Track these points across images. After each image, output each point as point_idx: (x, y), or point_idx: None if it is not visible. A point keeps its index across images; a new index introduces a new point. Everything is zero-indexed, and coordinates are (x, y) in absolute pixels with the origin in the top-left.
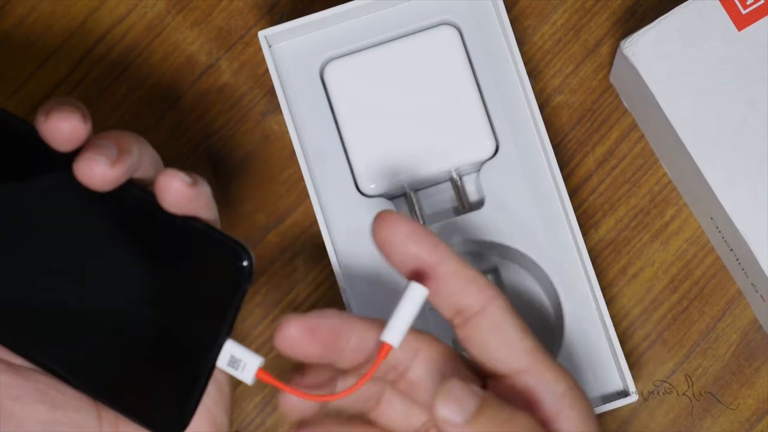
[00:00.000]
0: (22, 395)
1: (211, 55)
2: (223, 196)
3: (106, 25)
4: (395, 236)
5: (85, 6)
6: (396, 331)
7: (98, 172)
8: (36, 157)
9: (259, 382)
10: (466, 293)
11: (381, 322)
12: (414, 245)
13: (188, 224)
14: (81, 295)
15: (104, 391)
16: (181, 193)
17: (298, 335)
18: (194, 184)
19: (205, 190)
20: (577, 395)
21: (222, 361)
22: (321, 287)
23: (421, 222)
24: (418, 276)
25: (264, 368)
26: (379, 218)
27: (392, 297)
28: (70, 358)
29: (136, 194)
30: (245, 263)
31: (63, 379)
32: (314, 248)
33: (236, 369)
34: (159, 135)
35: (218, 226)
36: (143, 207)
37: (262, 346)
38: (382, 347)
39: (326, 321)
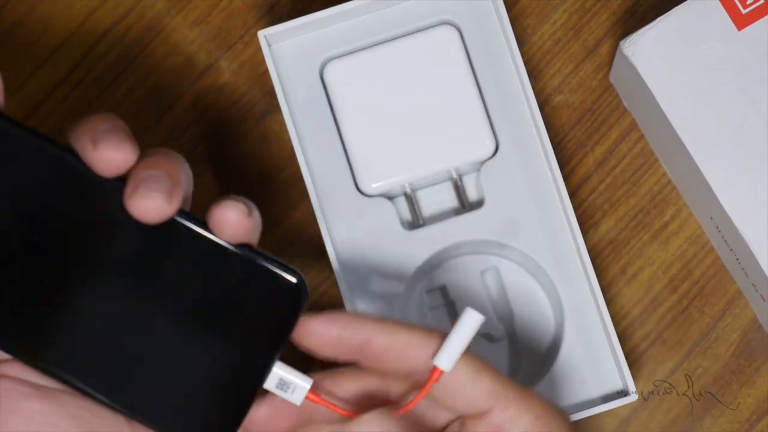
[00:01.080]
0: (55, 421)
1: (211, 55)
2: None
3: (106, 24)
4: (312, 339)
5: (85, 6)
6: (449, 355)
7: (153, 207)
8: (78, 180)
9: None
10: (405, 360)
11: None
12: (338, 333)
13: (240, 250)
14: (125, 315)
15: (148, 413)
16: (238, 225)
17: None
18: (250, 213)
19: (258, 218)
20: (544, 423)
21: (270, 384)
22: (321, 287)
23: (421, 222)
24: (361, 359)
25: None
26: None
27: (392, 297)
28: (113, 380)
29: (183, 219)
30: (299, 288)
31: (99, 401)
32: (314, 248)
33: (285, 391)
34: (159, 135)
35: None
36: (190, 231)
37: None
38: (433, 371)
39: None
